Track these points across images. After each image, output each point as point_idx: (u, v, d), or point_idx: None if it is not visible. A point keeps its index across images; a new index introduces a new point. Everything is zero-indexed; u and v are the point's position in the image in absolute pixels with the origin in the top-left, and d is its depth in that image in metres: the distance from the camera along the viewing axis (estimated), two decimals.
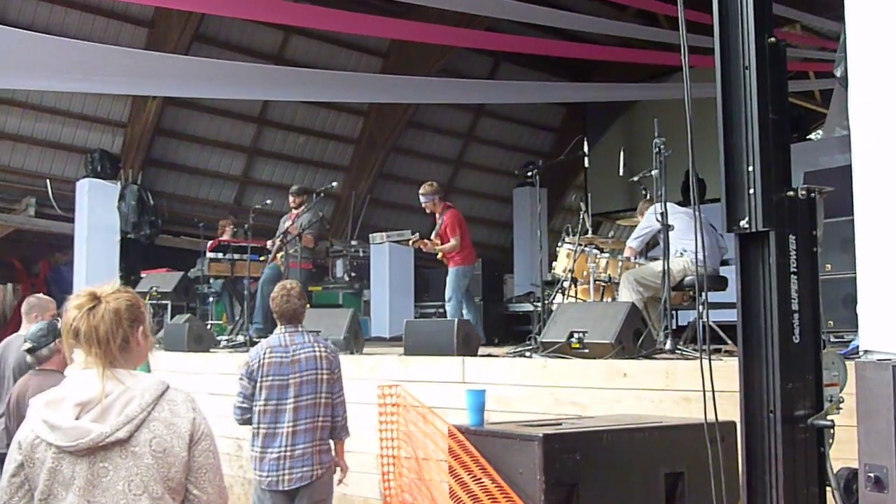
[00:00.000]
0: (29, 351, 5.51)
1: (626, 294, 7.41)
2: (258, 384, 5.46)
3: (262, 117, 17.23)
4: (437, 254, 10.35)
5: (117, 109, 15.79)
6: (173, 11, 14.53)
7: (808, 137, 14.38)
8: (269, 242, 11.16)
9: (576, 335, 6.42)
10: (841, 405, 3.08)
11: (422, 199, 10.38)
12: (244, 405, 5.54)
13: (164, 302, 11.77)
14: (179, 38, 15.00)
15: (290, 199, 11.35)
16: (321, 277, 13.85)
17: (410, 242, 10.38)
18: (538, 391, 6.13)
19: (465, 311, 10.33)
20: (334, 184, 10.66)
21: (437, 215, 10.39)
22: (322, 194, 11.01)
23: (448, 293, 10.27)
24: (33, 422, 2.66)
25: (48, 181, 15.37)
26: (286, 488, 5.44)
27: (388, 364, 7.12)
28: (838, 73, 6.48)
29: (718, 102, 3.10)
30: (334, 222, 17.60)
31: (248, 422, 5.58)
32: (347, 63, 16.75)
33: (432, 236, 10.31)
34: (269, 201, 11.72)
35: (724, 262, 7.81)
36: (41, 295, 7.02)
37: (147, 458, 2.68)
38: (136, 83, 14.11)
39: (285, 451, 5.42)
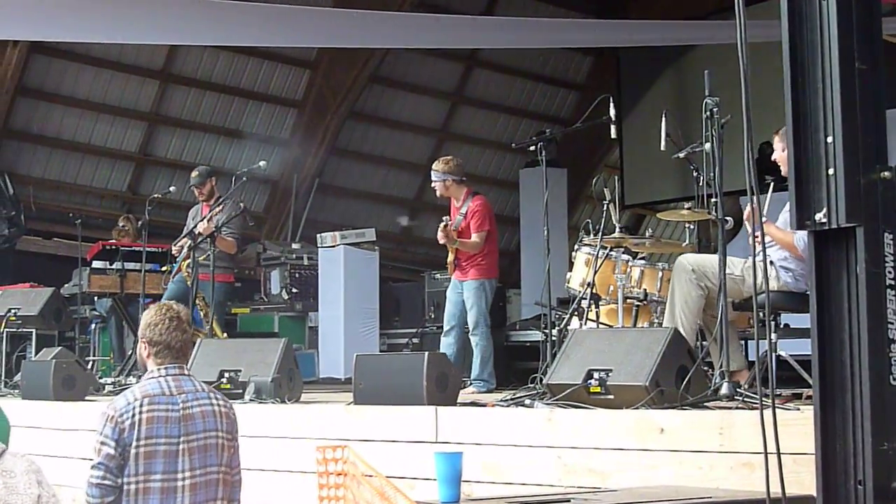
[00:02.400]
0: None
1: (682, 288, 7.15)
2: (131, 451, 4.96)
3: (167, 71, 17.06)
4: (447, 257, 10.13)
5: None
6: None
7: None
8: (173, 247, 11.02)
9: (596, 375, 6.30)
10: None
11: (433, 177, 10.20)
12: (107, 482, 4.97)
13: (27, 329, 11.60)
14: None
15: (195, 191, 11.19)
16: (249, 295, 13.79)
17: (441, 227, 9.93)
18: (541, 454, 6.02)
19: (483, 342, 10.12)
20: (262, 163, 10.50)
21: (456, 203, 10.22)
22: (245, 179, 10.87)
23: (474, 317, 10.03)
24: None
25: None
26: None
27: (331, 416, 6.97)
28: None
29: (785, 46, 3.04)
30: (269, 217, 17.51)
31: None
32: None
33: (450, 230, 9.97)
34: (172, 188, 11.62)
35: None
36: None
37: None
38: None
39: None
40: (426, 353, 7.35)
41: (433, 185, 10.30)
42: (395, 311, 14.45)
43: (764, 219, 7.12)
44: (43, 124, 16.49)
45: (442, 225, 9.93)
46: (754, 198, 3.57)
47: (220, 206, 10.63)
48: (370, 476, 5.78)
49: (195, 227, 10.56)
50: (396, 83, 18.71)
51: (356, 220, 14.00)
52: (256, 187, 16.80)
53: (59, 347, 10.79)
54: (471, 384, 9.98)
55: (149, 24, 13.95)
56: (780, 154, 7.33)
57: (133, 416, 4.93)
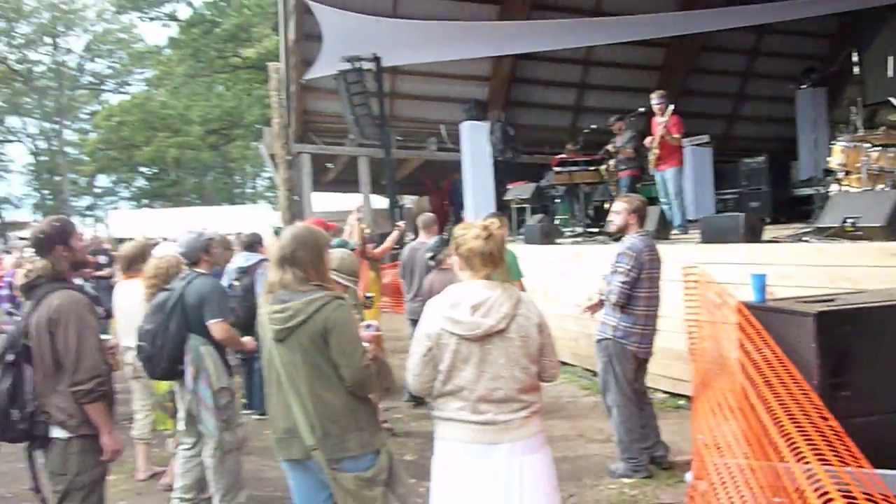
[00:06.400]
0: (431, 258, 5.96)
1: None
2: (643, 274, 4.92)
3: (587, 58, 16.74)
4: (651, 149, 9.31)
5: (483, 67, 16.11)
6: None
7: None
8: (610, 162, 10.82)
9: (849, 220, 5.63)
10: None
11: (659, 101, 9.38)
12: (629, 291, 4.93)
13: (524, 206, 11.97)
14: (522, 8, 14.91)
15: (615, 126, 10.96)
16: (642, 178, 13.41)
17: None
18: (815, 271, 5.47)
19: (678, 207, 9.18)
20: (642, 109, 10.06)
21: (659, 118, 9.35)
22: (634, 117, 10.51)
23: (674, 190, 9.19)
24: (439, 318, 2.89)
25: (442, 126, 16.20)
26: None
27: (689, 251, 6.67)
28: None
29: None
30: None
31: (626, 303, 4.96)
32: (648, 6, 15.60)
33: (658, 134, 9.26)
34: (593, 126, 11.31)
35: None
36: (428, 214, 7.39)
37: (516, 341, 2.88)
38: (494, 47, 14.33)
39: (654, 329, 5.12)
40: (742, 215, 6.64)
41: (656, 106, 9.38)
42: (724, 179, 13.34)
43: None
44: (525, 96, 16.76)
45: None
46: None
47: (625, 132, 10.41)
48: (712, 283, 5.53)
49: (608, 147, 10.41)
50: (716, 48, 17.14)
51: (696, 132, 13.00)
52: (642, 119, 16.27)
53: (541, 215, 10.99)
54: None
55: (576, 34, 13.77)
56: None
57: (644, 255, 4.93)
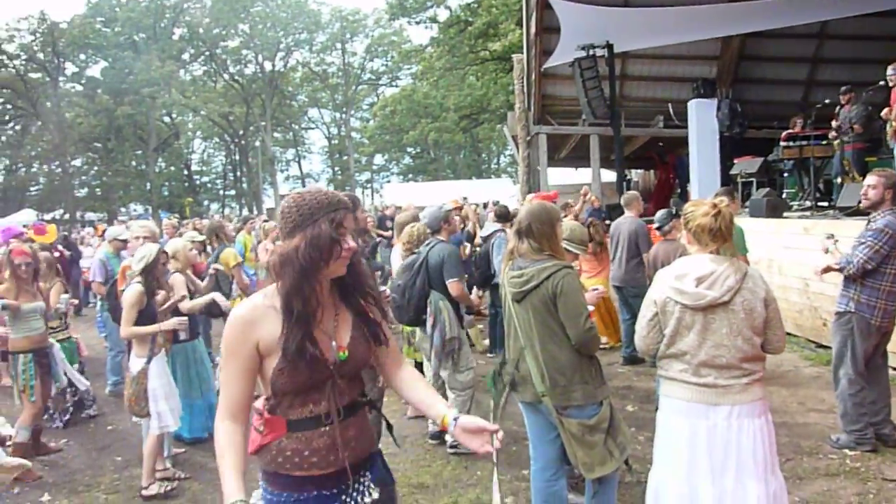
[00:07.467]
0: (658, 228, 5.70)
1: None
2: (893, 251, 4.20)
3: (823, 32, 14.71)
4: (889, 121, 7.70)
5: (711, 47, 14.91)
6: None
7: None
8: (830, 133, 9.62)
9: None
10: None
11: (890, 71, 7.79)
12: (872, 266, 4.24)
13: (749, 180, 10.97)
14: None
15: (841, 98, 9.60)
16: (875, 150, 11.69)
17: None
18: None
19: None
20: (881, 83, 8.67)
21: None
22: (872, 90, 9.10)
23: None
24: (665, 287, 2.81)
25: (669, 104, 15.30)
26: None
27: None
28: None
29: None
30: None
31: (865, 275, 4.29)
32: None
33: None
34: (826, 101, 9.97)
35: None
36: (631, 193, 6.97)
37: (741, 314, 2.73)
38: (725, 27, 13.20)
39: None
40: None
41: (892, 77, 7.70)
42: None
43: None
44: (753, 73, 15.23)
45: None
46: None
47: (854, 108, 9.08)
48: None
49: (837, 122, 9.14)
50: None
51: None
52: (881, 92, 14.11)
53: (767, 189, 9.96)
54: None
55: (809, 8, 12.27)
56: None
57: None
